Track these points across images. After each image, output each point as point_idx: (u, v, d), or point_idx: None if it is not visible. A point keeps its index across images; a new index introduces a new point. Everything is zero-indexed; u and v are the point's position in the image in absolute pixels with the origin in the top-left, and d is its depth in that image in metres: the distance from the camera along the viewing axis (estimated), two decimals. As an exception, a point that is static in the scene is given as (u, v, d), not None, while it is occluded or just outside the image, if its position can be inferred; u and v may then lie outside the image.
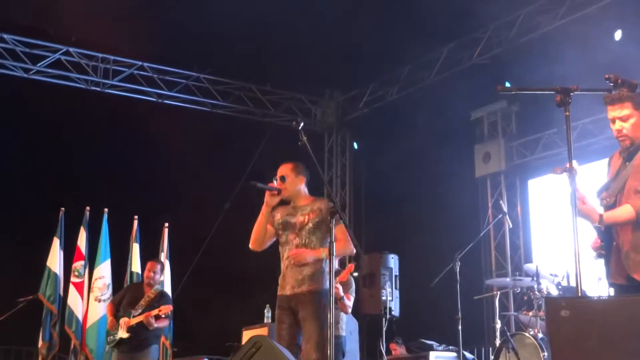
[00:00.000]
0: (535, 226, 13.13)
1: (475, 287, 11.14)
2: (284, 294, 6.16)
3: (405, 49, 12.55)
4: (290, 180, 6.31)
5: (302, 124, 5.55)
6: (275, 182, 6.31)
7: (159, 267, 9.53)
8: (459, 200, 12.78)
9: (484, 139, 13.63)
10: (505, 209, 10.08)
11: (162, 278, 9.95)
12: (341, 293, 8.19)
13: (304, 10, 11.17)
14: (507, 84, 11.63)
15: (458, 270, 8.90)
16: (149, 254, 11.93)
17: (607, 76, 4.57)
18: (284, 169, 6.37)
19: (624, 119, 4.77)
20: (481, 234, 10.11)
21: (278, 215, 6.33)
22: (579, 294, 4.36)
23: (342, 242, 6.14)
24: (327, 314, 5.64)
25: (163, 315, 8.98)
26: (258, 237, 6.31)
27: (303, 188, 6.41)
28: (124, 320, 8.89)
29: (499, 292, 9.44)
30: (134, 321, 8.86)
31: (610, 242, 4.79)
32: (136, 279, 11.48)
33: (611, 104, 4.81)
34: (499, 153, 13.23)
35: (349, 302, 8.71)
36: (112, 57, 13.34)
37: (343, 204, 15.06)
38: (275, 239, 6.40)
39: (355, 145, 15.79)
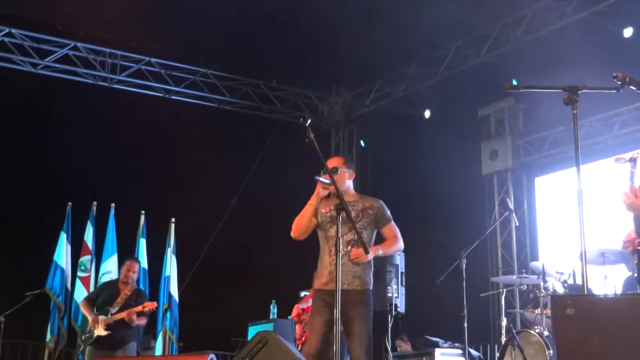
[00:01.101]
0: (542, 224, 13.12)
1: (482, 285, 11.14)
2: (327, 288, 6.02)
3: (413, 46, 12.54)
4: (342, 173, 6.24)
5: (309, 121, 5.42)
6: (323, 173, 6.05)
7: (137, 266, 9.56)
8: (465, 198, 12.78)
9: (490, 136, 13.62)
10: (511, 206, 10.06)
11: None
12: None
13: (311, 6, 11.17)
14: (514, 82, 11.68)
15: (464, 267, 8.89)
16: (156, 249, 11.98)
17: (615, 75, 4.55)
18: (336, 162, 6.29)
19: None
20: (487, 232, 10.10)
21: (325, 209, 6.19)
22: (585, 292, 4.36)
23: (393, 239, 6.28)
24: (372, 316, 5.85)
25: (147, 311, 8.98)
26: (303, 226, 6.18)
27: (351, 183, 6.37)
28: (101, 318, 8.89)
29: (505, 290, 9.43)
30: (114, 318, 8.86)
31: None
32: (143, 275, 11.51)
33: None
34: (505, 150, 13.22)
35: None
36: (119, 53, 13.36)
37: (349, 201, 15.04)
38: (312, 230, 6.30)
39: (362, 143, 15.78)
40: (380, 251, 6.18)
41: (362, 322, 5.91)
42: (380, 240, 6.39)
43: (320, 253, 6.25)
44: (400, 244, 6.37)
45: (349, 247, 6.02)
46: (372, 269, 6.22)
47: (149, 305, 8.98)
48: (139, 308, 8.88)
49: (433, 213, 12.99)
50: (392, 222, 6.34)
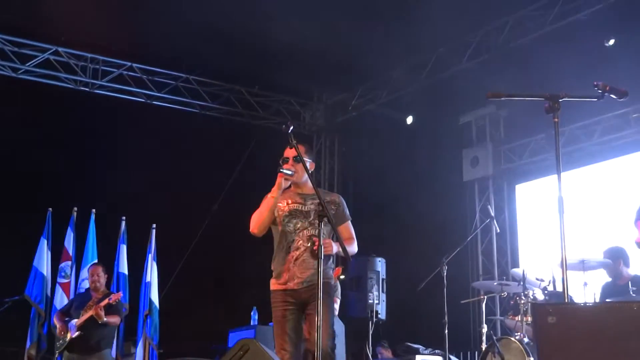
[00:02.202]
0: (523, 231, 13.17)
1: (462, 292, 11.14)
2: (289, 288, 5.74)
3: (396, 52, 12.56)
4: (303, 163, 5.75)
5: (291, 128, 5.43)
6: (283, 163, 5.83)
7: (100, 269, 9.52)
8: (446, 204, 12.81)
9: (472, 143, 13.67)
10: (492, 213, 10.10)
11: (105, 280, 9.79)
12: None
13: (294, 12, 11.17)
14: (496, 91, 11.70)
15: (445, 274, 8.90)
16: (137, 255, 11.93)
17: (595, 83, 4.58)
18: (296, 150, 5.79)
19: None
20: (469, 239, 10.12)
21: (283, 202, 5.87)
22: (566, 300, 4.37)
23: (350, 240, 5.92)
24: (333, 309, 5.58)
25: (113, 303, 8.91)
26: (264, 221, 5.85)
27: (309, 175, 5.91)
28: (72, 323, 8.87)
29: (485, 297, 9.45)
30: (83, 318, 8.83)
31: None
32: (123, 281, 11.48)
33: None
34: (487, 157, 13.26)
35: (335, 305, 8.71)
36: (101, 58, 13.30)
37: (331, 207, 15.03)
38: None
39: (344, 148, 15.73)
40: (336, 249, 5.69)
41: (324, 311, 5.37)
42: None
43: (275, 250, 5.92)
44: (356, 247, 5.98)
45: (309, 243, 5.70)
46: (331, 266, 5.95)
47: (115, 296, 8.94)
48: (105, 302, 8.83)
49: (414, 219, 13.00)
50: (350, 222, 6.04)
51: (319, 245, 5.23)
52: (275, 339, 5.75)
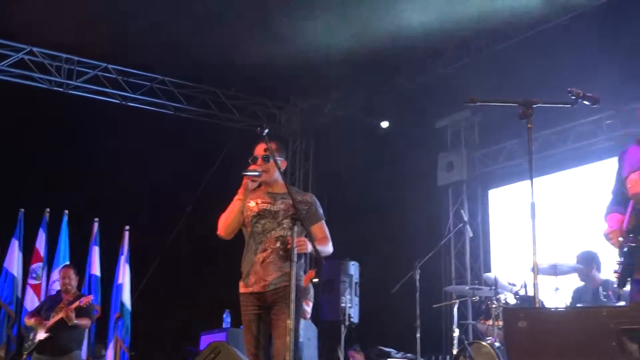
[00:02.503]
0: (495, 236, 13.22)
1: (435, 296, 11.19)
2: (255, 291, 5.53)
3: (372, 56, 12.57)
4: (273, 161, 5.61)
5: (266, 130, 5.41)
6: (253, 162, 5.67)
7: (72, 272, 9.47)
8: (421, 209, 12.84)
9: (447, 148, 13.71)
10: (466, 218, 10.14)
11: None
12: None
13: (270, 16, 11.17)
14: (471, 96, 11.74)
15: (418, 278, 8.94)
16: (109, 257, 11.87)
17: (569, 89, 4.62)
18: (270, 149, 5.65)
19: None
20: (442, 243, 10.17)
21: (252, 203, 5.68)
22: (537, 305, 4.39)
23: (324, 240, 5.72)
24: (301, 313, 5.36)
25: (84, 305, 8.87)
26: (231, 224, 5.69)
27: (280, 173, 5.75)
28: (44, 323, 8.83)
29: (457, 301, 9.48)
30: (53, 320, 8.79)
31: (638, 234, 4.56)
32: (95, 283, 11.43)
33: None
34: (461, 162, 13.31)
35: (308, 308, 8.71)
36: (76, 58, 13.21)
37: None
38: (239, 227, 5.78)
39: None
40: (310, 247, 5.48)
41: (287, 317, 5.26)
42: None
43: (244, 252, 5.73)
44: (331, 246, 5.75)
45: (278, 244, 5.51)
46: (303, 268, 5.72)
47: (85, 299, 8.90)
48: (75, 304, 8.79)
49: (388, 223, 13.03)
50: (324, 221, 5.82)
51: (292, 247, 5.19)
52: (244, 343, 5.58)
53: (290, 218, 5.29)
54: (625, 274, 4.53)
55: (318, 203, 5.84)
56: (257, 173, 5.59)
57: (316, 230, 5.70)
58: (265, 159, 5.62)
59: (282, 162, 5.76)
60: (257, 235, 5.62)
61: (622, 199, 4.77)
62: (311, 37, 11.78)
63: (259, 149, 5.69)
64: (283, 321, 5.28)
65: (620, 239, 4.56)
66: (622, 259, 4.55)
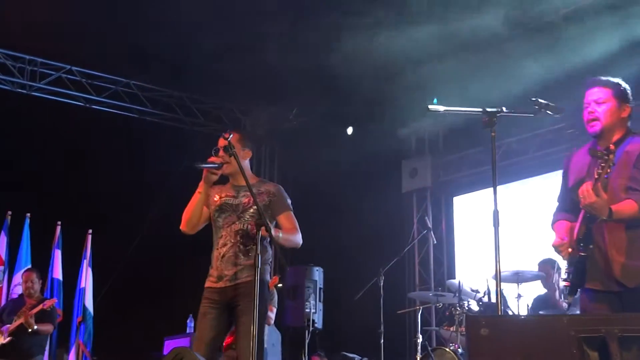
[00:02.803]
0: (459, 242, 13.29)
1: (399, 302, 11.22)
2: (216, 286, 5.44)
3: (336, 62, 12.57)
4: (236, 152, 5.41)
5: (232, 135, 5.36)
6: (215, 154, 5.56)
7: (34, 275, 9.41)
8: (385, 215, 12.87)
9: (411, 154, 13.76)
10: (429, 225, 10.21)
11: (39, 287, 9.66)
12: None
13: (236, 20, 11.15)
14: (435, 101, 11.79)
15: (382, 284, 8.97)
16: (71, 261, 11.78)
17: (532, 99, 4.66)
18: (231, 139, 5.49)
19: (598, 102, 4.63)
20: (405, 249, 10.21)
21: (216, 196, 5.60)
22: (500, 312, 4.43)
23: (293, 230, 5.55)
24: (266, 310, 5.23)
25: (47, 308, 8.81)
26: (192, 218, 5.60)
27: (247, 164, 5.70)
28: (5, 327, 8.76)
29: (421, 307, 9.52)
30: (14, 325, 8.72)
31: (589, 244, 4.55)
32: (57, 286, 11.34)
33: (591, 87, 4.70)
34: (425, 169, 13.37)
35: (272, 314, 8.70)
36: (40, 60, 13.09)
37: (270, 215, 15.03)
38: (207, 222, 5.68)
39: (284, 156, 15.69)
40: (281, 235, 5.42)
41: (250, 315, 5.05)
42: None
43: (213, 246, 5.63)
44: (300, 237, 5.58)
45: (238, 238, 5.43)
46: (269, 262, 5.60)
47: (48, 302, 8.83)
48: (37, 308, 8.73)
49: (353, 229, 13.04)
50: (292, 212, 5.64)
51: (257, 255, 5.05)
52: (196, 337, 5.53)
53: (255, 223, 5.11)
54: (575, 282, 4.56)
55: (284, 194, 5.68)
56: (214, 165, 5.48)
57: (283, 221, 5.56)
58: (227, 151, 5.45)
59: (246, 153, 5.68)
60: (218, 230, 5.54)
61: (569, 206, 4.77)
62: (277, 44, 11.76)
63: (222, 141, 5.55)
64: (247, 322, 5.08)
65: (570, 249, 4.57)
66: (572, 268, 4.57)
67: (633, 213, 4.41)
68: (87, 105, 13.69)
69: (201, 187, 5.56)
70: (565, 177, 4.95)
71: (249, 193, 5.37)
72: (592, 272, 4.51)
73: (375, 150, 13.04)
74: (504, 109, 4.63)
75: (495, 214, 4.46)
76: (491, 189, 4.62)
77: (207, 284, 5.53)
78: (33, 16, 10.97)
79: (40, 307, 8.74)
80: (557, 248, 4.68)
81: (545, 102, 4.67)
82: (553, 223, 4.91)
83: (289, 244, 5.51)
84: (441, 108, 4.92)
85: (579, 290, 4.59)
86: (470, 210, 13.13)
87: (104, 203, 13.05)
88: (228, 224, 5.50)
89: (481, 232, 11.68)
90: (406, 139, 13.81)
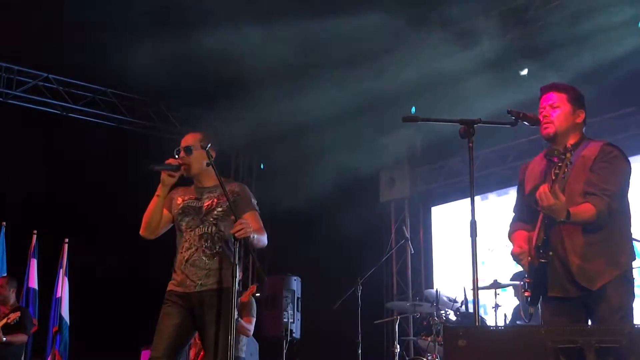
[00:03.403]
0: (437, 252, 13.31)
1: (377, 312, 11.24)
2: (179, 290, 5.26)
3: (313, 71, 12.57)
4: (198, 153, 5.34)
5: (209, 144, 5.25)
6: (177, 155, 5.39)
7: (6, 281, 9.35)
8: (362, 225, 12.86)
9: (389, 164, 13.77)
10: (407, 234, 10.21)
11: (12, 293, 9.57)
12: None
13: (217, 29, 11.13)
14: (413, 110, 11.86)
15: (360, 294, 8.97)
16: (47, 270, 11.69)
17: (509, 110, 4.67)
18: (191, 139, 5.43)
19: (553, 106, 4.71)
20: (383, 259, 10.22)
21: (179, 199, 5.42)
22: (477, 323, 4.43)
23: (260, 231, 5.34)
24: (232, 318, 5.00)
25: (11, 322, 8.75)
26: (151, 222, 5.42)
27: (205, 166, 5.41)
28: None
29: (399, 317, 9.53)
30: None
31: (548, 250, 4.55)
32: (33, 295, 11.24)
33: (547, 92, 4.78)
34: (403, 179, 13.39)
35: (250, 326, 8.64)
36: (16, 67, 13.01)
37: (247, 225, 15.01)
38: (170, 226, 5.52)
39: (262, 166, 15.76)
40: (255, 235, 5.19)
41: (217, 326, 5.04)
42: None
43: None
44: (266, 238, 5.38)
45: (203, 242, 5.24)
46: (235, 266, 5.23)
47: (13, 316, 8.76)
48: (2, 322, 8.67)
49: (331, 239, 13.02)
50: (257, 212, 5.45)
51: (235, 263, 5.04)
52: (154, 340, 5.30)
53: (234, 238, 5.01)
54: (536, 291, 4.57)
55: (249, 193, 5.51)
56: (171, 167, 5.31)
57: (249, 220, 5.26)
58: (188, 151, 5.35)
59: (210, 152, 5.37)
60: (182, 233, 5.37)
61: (526, 215, 4.80)
62: (252, 51, 11.75)
63: (183, 141, 5.46)
64: (214, 331, 5.02)
65: (529, 257, 4.59)
66: (532, 277, 4.58)
67: (590, 216, 4.43)
68: (64, 113, 13.61)
69: (159, 190, 5.39)
70: (521, 186, 5.01)
71: (212, 195, 5.31)
72: (552, 279, 4.53)
73: (353, 160, 13.04)
74: (481, 119, 4.64)
75: (473, 224, 4.45)
76: (469, 199, 4.61)
77: (170, 287, 5.35)
78: (8, 23, 10.91)
79: (4, 321, 8.66)
80: (517, 256, 4.71)
81: (522, 112, 4.69)
82: (510, 234, 4.95)
83: (258, 244, 5.32)
84: (418, 119, 4.92)
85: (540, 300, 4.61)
86: (448, 220, 13.15)
87: (81, 212, 12.96)
88: (191, 228, 5.32)
89: (459, 242, 11.71)
90: (385, 148, 13.82)
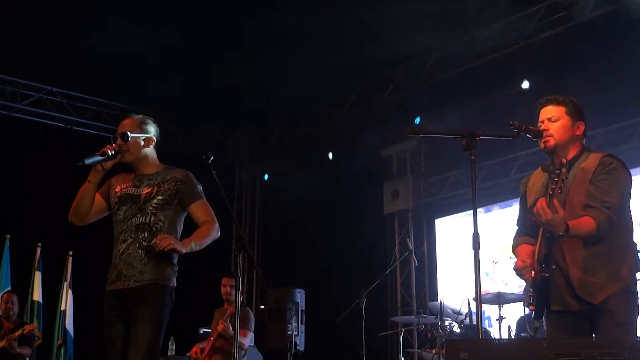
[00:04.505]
0: (441, 264, 13.29)
1: (381, 324, 11.20)
2: (115, 288, 4.88)
3: (318, 85, 12.61)
4: (135, 139, 5.03)
5: (211, 158, 5.08)
6: (113, 143, 5.02)
7: (15, 297, 9.39)
8: (367, 237, 12.87)
9: (393, 176, 13.77)
10: (411, 247, 10.22)
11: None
12: (230, 331, 8.08)
13: (219, 42, 11.17)
14: (417, 120, 11.89)
15: (364, 306, 8.96)
16: (52, 283, 11.70)
17: (511, 122, 4.67)
18: (128, 125, 5.06)
19: (552, 120, 4.69)
20: (387, 272, 10.21)
21: (117, 187, 5.09)
22: (480, 335, 4.42)
23: (210, 224, 4.98)
24: (165, 320, 4.76)
25: (27, 334, 8.78)
26: (78, 209, 5.09)
27: (152, 152, 5.17)
28: None
29: (403, 329, 9.52)
30: None
31: (550, 264, 4.53)
32: (37, 308, 11.25)
33: (545, 105, 4.76)
34: (407, 191, 13.37)
35: (246, 339, 8.60)
36: (20, 81, 13.04)
37: (251, 238, 15.02)
38: (105, 214, 5.18)
39: (266, 177, 15.76)
40: (193, 244, 4.85)
41: (146, 322, 4.70)
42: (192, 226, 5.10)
43: None
44: (216, 229, 4.99)
45: (139, 233, 4.89)
46: (174, 262, 4.97)
47: (28, 327, 8.81)
48: (18, 332, 8.70)
49: (335, 251, 13.03)
50: (204, 200, 5.07)
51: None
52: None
53: (236, 247, 5.01)
54: (540, 306, 4.55)
55: (194, 181, 5.15)
56: (97, 159, 4.92)
57: (196, 211, 5.02)
58: (124, 137, 4.97)
59: (148, 140, 5.14)
60: (119, 224, 5.02)
61: (530, 229, 4.79)
62: (258, 64, 11.79)
63: (123, 125, 5.13)
64: (141, 326, 4.72)
65: (533, 272, 4.58)
66: (536, 291, 4.57)
67: (590, 230, 4.41)
68: (68, 126, 13.63)
69: (91, 176, 5.02)
70: (523, 199, 4.99)
71: (152, 182, 5.01)
72: (554, 293, 4.52)
73: (357, 172, 13.07)
74: (483, 131, 4.64)
75: (475, 237, 4.45)
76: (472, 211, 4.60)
77: (107, 286, 4.98)
78: (12, 37, 10.95)
79: (20, 331, 8.69)
80: (519, 271, 4.70)
81: (524, 124, 4.69)
82: (514, 247, 4.93)
83: (207, 241, 4.96)
84: (421, 132, 4.93)
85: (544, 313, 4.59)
86: (452, 232, 13.13)
87: (85, 225, 12.95)
88: (128, 218, 4.96)
89: (463, 254, 11.69)
90: (388, 160, 13.84)
